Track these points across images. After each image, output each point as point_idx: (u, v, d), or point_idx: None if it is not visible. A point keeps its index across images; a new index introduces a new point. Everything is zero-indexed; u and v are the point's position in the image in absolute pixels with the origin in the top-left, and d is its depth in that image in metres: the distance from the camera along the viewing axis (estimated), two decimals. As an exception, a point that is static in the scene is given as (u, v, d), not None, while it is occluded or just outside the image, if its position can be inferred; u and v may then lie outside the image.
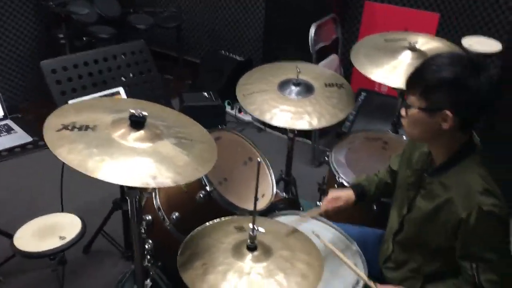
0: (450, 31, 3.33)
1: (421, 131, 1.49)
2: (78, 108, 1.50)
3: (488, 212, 1.39)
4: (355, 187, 1.87)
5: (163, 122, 1.50)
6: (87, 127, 1.37)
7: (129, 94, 2.22)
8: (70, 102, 2.00)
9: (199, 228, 1.57)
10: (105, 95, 2.11)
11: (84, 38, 3.69)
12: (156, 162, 1.35)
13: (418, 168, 1.62)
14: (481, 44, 2.87)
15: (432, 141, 1.53)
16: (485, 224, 1.40)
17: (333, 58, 3.44)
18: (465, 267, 1.47)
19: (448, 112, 1.40)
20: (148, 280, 1.77)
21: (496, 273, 1.43)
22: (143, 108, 1.45)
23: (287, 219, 1.91)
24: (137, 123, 1.39)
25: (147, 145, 1.40)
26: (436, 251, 1.54)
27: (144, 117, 1.40)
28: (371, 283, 1.60)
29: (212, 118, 3.51)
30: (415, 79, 1.46)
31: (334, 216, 1.86)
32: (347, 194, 1.84)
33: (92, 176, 1.24)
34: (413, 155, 1.67)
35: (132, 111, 1.40)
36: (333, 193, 1.86)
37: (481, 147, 1.54)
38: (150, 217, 2.10)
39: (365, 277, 1.63)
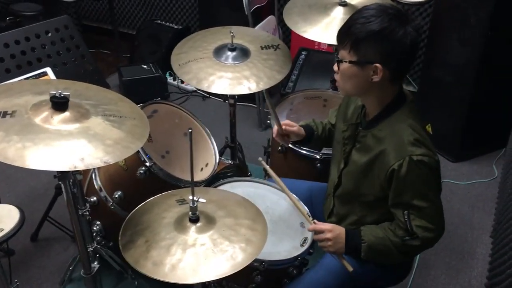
0: (383, -17, 3.34)
1: (353, 85, 1.50)
2: (-6, 94, 1.41)
3: (418, 161, 1.43)
4: (303, 126, 1.87)
5: (88, 100, 1.44)
6: (5, 114, 1.29)
7: (58, 74, 2.12)
8: (-7, 87, 1.89)
9: (139, 206, 1.54)
10: (31, 77, 2.00)
11: (8, 18, 3.48)
12: (83, 143, 1.30)
13: (352, 122, 1.64)
14: (412, -7, 2.91)
15: (364, 94, 1.54)
16: (416, 173, 1.44)
17: (270, 19, 3.39)
18: (397, 215, 1.52)
19: (378, 65, 1.42)
20: (96, 263, 1.73)
21: (426, 219, 1.49)
22: (65, 88, 1.38)
23: (233, 186, 1.92)
24: (59, 104, 1.33)
25: (73, 126, 1.34)
26: (373, 202, 1.58)
27: (66, 98, 1.33)
28: (308, 219, 1.65)
29: (153, 90, 3.43)
30: (345, 33, 1.46)
31: (282, 141, 1.86)
32: (299, 127, 1.84)
33: (14, 165, 1.18)
34: (348, 110, 1.69)
35: (53, 92, 1.33)
36: (287, 121, 1.85)
37: (411, 97, 1.56)
38: (95, 198, 2.06)
39: (303, 210, 1.69)
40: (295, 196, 1.77)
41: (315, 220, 1.65)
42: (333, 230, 1.59)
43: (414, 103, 1.55)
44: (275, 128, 1.84)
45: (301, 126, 1.87)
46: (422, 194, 1.47)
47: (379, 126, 1.53)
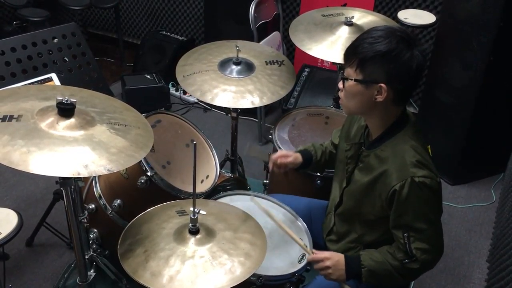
0: (388, 3, 3.38)
1: (356, 103, 1.51)
2: (1, 97, 1.41)
3: (420, 183, 1.44)
4: (301, 151, 1.87)
5: (94, 108, 1.44)
6: (11, 117, 1.30)
7: (63, 80, 2.13)
8: (-2, 91, 1.90)
9: (139, 215, 1.53)
10: (36, 82, 2.01)
11: (15, 23, 3.50)
12: (88, 150, 1.30)
13: (356, 141, 1.65)
14: (416, 16, 2.94)
15: (367, 113, 1.56)
16: (417, 195, 1.44)
17: (275, 35, 3.42)
18: (397, 236, 1.52)
19: (382, 85, 1.43)
20: (92, 271, 1.72)
21: (426, 242, 1.49)
22: (72, 95, 1.39)
23: (232, 199, 1.92)
24: (65, 110, 1.33)
25: (78, 133, 1.35)
26: (374, 222, 1.59)
27: (72, 104, 1.34)
28: (306, 249, 1.63)
29: (155, 100, 3.44)
30: (352, 51, 1.48)
31: (280, 172, 1.86)
32: (296, 154, 1.84)
33: (17, 169, 1.18)
34: (351, 129, 1.70)
35: (60, 98, 1.34)
36: (282, 151, 1.86)
37: (414, 118, 1.57)
38: (93, 205, 2.05)
39: (301, 243, 1.65)
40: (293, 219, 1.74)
41: (313, 250, 1.64)
42: (331, 258, 1.59)
43: (417, 125, 1.56)
44: (271, 164, 1.84)
45: (299, 151, 1.87)
46: (423, 216, 1.47)
47: (382, 147, 1.54)
